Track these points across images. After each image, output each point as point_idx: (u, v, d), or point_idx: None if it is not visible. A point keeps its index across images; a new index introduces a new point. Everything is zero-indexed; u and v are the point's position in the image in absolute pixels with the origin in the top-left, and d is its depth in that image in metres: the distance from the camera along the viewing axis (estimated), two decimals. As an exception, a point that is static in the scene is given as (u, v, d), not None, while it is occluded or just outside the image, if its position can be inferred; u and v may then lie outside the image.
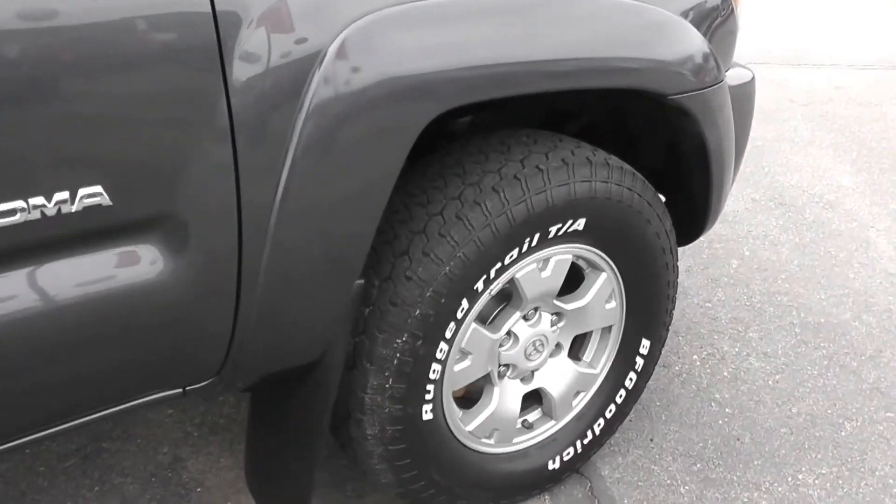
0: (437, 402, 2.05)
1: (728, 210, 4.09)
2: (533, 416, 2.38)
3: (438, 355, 1.96)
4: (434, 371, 1.98)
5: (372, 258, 1.91)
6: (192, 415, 2.72)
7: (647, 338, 2.38)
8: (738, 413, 2.77)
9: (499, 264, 1.93)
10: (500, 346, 2.15)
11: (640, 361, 2.41)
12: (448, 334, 1.94)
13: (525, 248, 1.96)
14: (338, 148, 1.56)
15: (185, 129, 1.40)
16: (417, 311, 1.86)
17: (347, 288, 1.74)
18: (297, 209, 1.55)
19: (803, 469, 2.56)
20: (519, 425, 2.34)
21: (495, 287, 1.99)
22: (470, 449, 2.21)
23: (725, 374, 2.96)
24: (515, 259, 1.96)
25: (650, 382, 2.63)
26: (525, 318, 2.17)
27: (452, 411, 2.13)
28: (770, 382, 2.92)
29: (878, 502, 2.47)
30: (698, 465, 2.57)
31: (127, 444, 2.58)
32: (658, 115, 2.26)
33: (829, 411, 2.80)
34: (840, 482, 2.52)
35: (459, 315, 1.94)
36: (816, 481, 2.53)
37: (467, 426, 2.18)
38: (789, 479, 2.53)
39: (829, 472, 2.56)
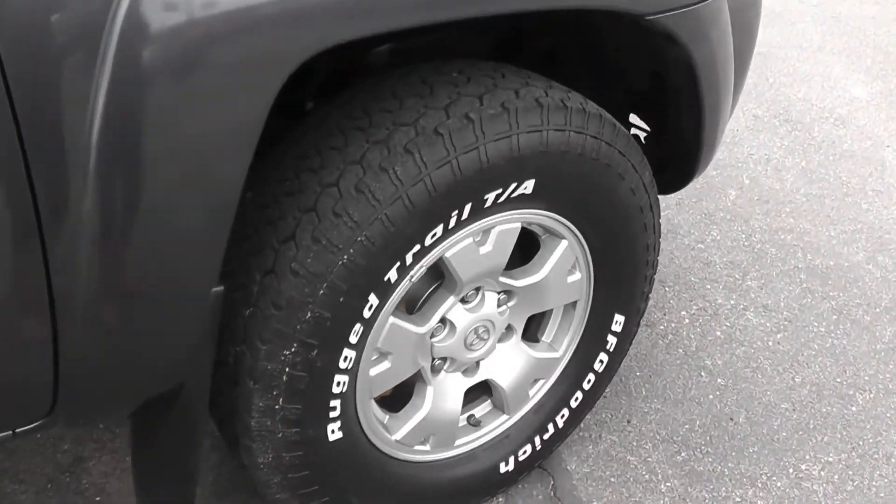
0: (349, 417, 1.62)
1: (727, 129, 3.56)
2: (481, 410, 1.95)
3: (343, 364, 1.51)
4: (339, 384, 1.54)
5: (253, 242, 1.45)
6: None
7: (621, 312, 1.93)
8: (732, 384, 2.35)
9: (417, 247, 1.47)
10: (433, 336, 1.70)
11: (612, 340, 1.96)
12: (354, 338, 1.49)
13: (452, 223, 1.49)
14: (158, 117, 1.10)
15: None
16: (308, 315, 1.41)
17: (199, 301, 1.29)
18: (114, 208, 1.12)
19: (807, 457, 2.15)
20: (463, 423, 1.91)
21: (416, 273, 1.53)
22: (399, 460, 1.79)
23: (718, 333, 2.53)
24: (440, 237, 1.49)
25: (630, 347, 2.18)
26: (464, 300, 1.71)
27: (372, 422, 1.70)
28: (770, 343, 2.48)
29: (896, 498, 2.07)
30: (683, 455, 2.15)
31: (26, 440, 2.17)
32: (635, 39, 1.76)
33: (839, 380, 2.37)
34: (850, 473, 2.12)
35: (367, 314, 1.48)
36: (822, 473, 2.12)
37: (394, 434, 1.75)
38: (790, 470, 2.12)
39: (838, 459, 2.15)
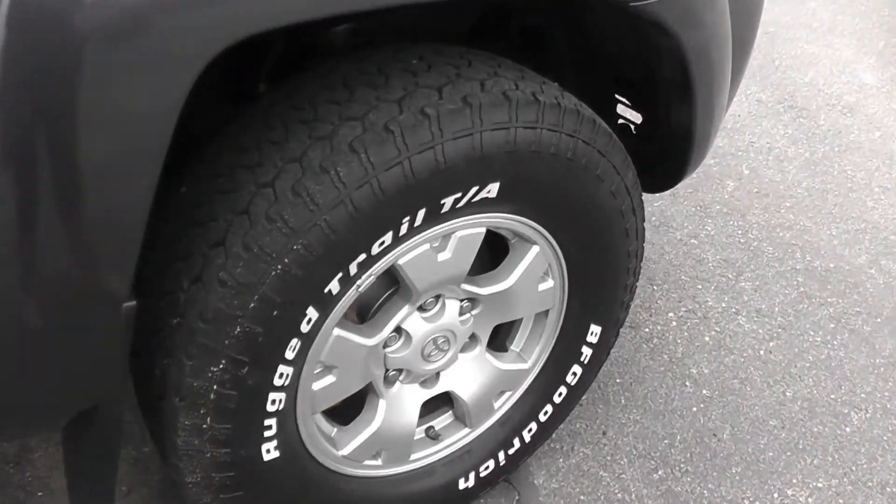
0: (287, 435, 1.47)
1: (728, 114, 3.39)
2: (441, 422, 1.80)
3: (279, 382, 1.36)
4: (274, 402, 1.38)
5: (183, 244, 1.30)
6: None
7: (598, 323, 1.78)
8: (718, 397, 2.20)
9: (362, 256, 1.30)
10: (386, 346, 1.55)
11: (587, 352, 1.81)
12: (290, 354, 1.34)
13: (404, 230, 1.32)
14: (56, 102, 0.94)
15: None
16: (238, 329, 1.25)
17: (107, 319, 1.13)
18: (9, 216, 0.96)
19: (794, 482, 2.01)
20: (421, 435, 1.76)
21: (364, 283, 1.37)
22: (347, 476, 1.64)
23: (707, 339, 2.37)
24: (390, 245, 1.33)
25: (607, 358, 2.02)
26: (422, 307, 1.55)
27: (315, 438, 1.55)
28: (762, 352, 2.33)
29: (888, 530, 1.93)
30: (660, 472, 2.01)
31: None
32: (622, 25, 1.58)
33: (833, 396, 2.22)
34: (840, 501, 1.97)
35: (306, 328, 1.32)
36: (810, 499, 1.97)
37: (341, 450, 1.60)
38: (775, 495, 1.98)
39: (828, 485, 2.00)
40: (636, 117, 1.99)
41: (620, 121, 2.01)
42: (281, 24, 1.03)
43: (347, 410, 1.64)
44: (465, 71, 1.36)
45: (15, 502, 1.91)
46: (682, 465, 2.03)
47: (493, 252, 1.63)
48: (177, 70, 0.99)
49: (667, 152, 1.88)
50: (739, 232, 2.76)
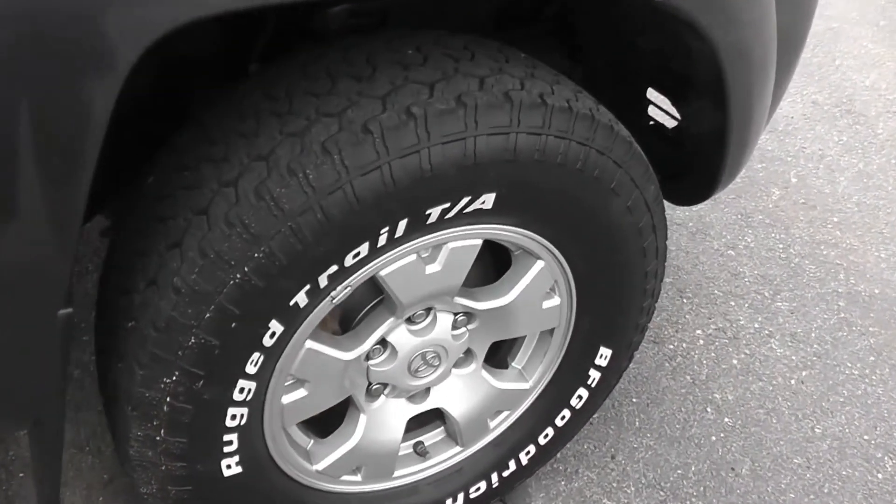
0: (252, 450, 1.35)
1: (780, 115, 3.20)
2: (431, 438, 1.67)
3: (239, 397, 1.24)
4: (235, 417, 1.27)
5: (142, 240, 1.18)
6: None
7: (609, 346, 1.63)
8: (741, 427, 2.03)
9: (334, 268, 1.17)
10: (369, 358, 1.42)
11: (594, 375, 1.66)
12: (252, 368, 1.22)
13: (383, 241, 1.19)
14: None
15: None
16: (192, 340, 1.14)
17: (43, 328, 1.02)
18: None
19: (815, 528, 1.84)
20: (408, 451, 1.64)
21: (340, 295, 1.24)
22: (321, 491, 1.53)
23: (735, 361, 2.20)
24: (366, 257, 1.20)
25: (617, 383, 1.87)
26: (410, 320, 1.42)
27: (286, 451, 1.43)
28: (792, 382, 2.15)
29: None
30: (669, 506, 1.86)
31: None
32: (652, 21, 1.42)
33: (866, 437, 2.04)
34: (864, 555, 1.80)
35: (269, 342, 1.20)
36: (830, 550, 1.81)
37: (316, 464, 1.48)
38: (793, 542, 1.82)
39: (852, 536, 1.84)
40: (669, 117, 1.83)
41: (653, 122, 1.85)
42: (214, 12, 0.90)
43: (329, 419, 1.52)
44: (465, 66, 1.21)
45: (-6, 481, 1.84)
46: (693, 499, 1.88)
47: (499, 261, 1.49)
48: (107, 64, 0.87)
49: (698, 161, 1.72)
50: (781, 246, 2.57)
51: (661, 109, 1.82)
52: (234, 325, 1.14)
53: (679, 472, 1.93)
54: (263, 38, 1.43)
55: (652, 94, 1.81)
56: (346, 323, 1.43)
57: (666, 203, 1.55)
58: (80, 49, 0.85)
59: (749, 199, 2.78)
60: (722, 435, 2.02)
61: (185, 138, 1.23)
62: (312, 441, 1.50)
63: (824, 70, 3.47)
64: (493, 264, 1.54)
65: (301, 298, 1.17)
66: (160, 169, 1.24)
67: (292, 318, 1.19)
